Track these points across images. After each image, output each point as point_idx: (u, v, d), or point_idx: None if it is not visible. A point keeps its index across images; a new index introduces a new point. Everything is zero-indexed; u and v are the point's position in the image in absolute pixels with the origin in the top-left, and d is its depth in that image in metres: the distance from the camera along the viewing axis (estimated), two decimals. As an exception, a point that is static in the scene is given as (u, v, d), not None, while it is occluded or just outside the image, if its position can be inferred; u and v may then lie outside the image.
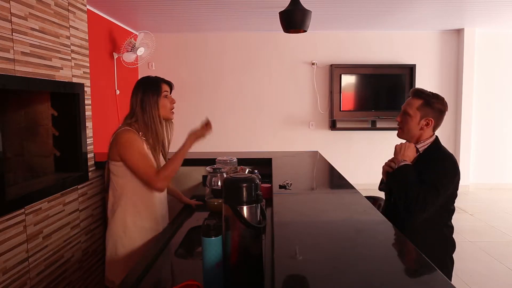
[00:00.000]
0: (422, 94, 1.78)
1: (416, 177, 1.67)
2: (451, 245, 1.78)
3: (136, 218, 1.80)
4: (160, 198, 1.90)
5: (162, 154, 1.89)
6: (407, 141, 1.82)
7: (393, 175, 1.72)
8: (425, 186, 1.63)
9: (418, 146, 1.78)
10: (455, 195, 1.77)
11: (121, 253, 1.78)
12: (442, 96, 1.80)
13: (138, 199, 1.81)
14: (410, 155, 1.74)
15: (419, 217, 1.65)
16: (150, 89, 1.78)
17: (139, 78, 1.95)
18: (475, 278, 2.98)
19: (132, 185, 1.79)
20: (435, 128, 1.79)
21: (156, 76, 1.86)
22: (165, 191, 1.97)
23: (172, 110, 1.86)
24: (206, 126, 1.85)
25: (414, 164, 1.74)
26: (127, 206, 1.80)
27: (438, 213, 1.72)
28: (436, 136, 1.82)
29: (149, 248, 1.54)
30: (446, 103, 1.78)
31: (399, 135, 1.86)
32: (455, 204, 1.82)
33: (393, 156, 1.79)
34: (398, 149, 1.77)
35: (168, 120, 1.87)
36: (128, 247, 1.79)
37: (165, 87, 1.83)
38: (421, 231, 1.70)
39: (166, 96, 1.82)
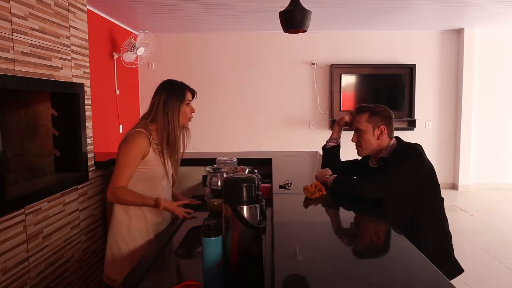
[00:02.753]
0: (364, 107, 1.87)
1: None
2: (448, 233, 1.80)
3: (141, 219, 1.80)
4: (165, 214, 1.90)
5: (171, 160, 1.89)
6: (369, 156, 1.90)
7: (335, 188, 1.80)
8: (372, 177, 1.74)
9: (381, 154, 1.82)
10: (435, 187, 1.79)
11: (125, 251, 1.79)
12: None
13: (143, 209, 1.81)
14: (327, 172, 1.88)
15: (367, 197, 1.68)
16: (175, 94, 1.79)
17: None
18: (475, 278, 2.98)
19: (139, 186, 1.78)
20: (390, 134, 1.84)
21: (182, 82, 1.86)
22: (170, 193, 1.97)
23: (190, 119, 1.88)
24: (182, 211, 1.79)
25: (379, 169, 1.80)
26: (133, 206, 1.79)
27: (430, 208, 1.75)
28: (397, 138, 1.86)
29: (149, 248, 1.55)
30: (388, 109, 1.85)
31: (359, 154, 1.91)
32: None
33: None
34: (318, 175, 1.91)
35: (184, 127, 1.89)
36: (131, 246, 1.79)
37: (189, 95, 1.84)
38: (422, 226, 1.72)
39: (187, 104, 1.83)
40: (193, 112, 1.88)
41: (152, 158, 1.78)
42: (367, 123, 1.82)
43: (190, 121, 1.89)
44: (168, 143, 1.79)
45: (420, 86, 5.84)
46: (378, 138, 1.81)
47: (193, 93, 1.88)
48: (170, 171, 1.91)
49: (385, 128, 1.81)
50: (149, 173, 1.79)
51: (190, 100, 1.85)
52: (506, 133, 6.00)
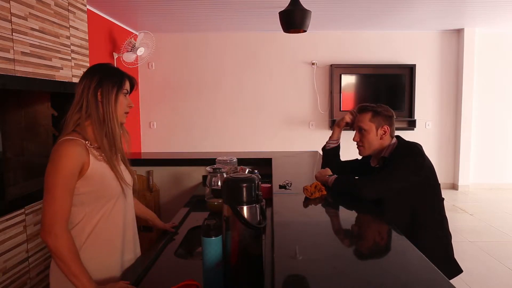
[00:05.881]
0: (367, 107, 1.86)
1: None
2: (448, 233, 1.81)
3: (95, 260, 1.31)
4: (129, 230, 1.44)
5: (123, 161, 1.43)
6: (371, 155, 1.90)
7: (336, 189, 1.80)
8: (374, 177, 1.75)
9: (383, 154, 1.83)
10: (435, 187, 1.79)
11: None
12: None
13: (96, 235, 1.32)
14: (327, 173, 1.89)
15: (368, 197, 1.69)
16: (111, 79, 1.34)
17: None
18: (475, 278, 2.98)
19: (85, 210, 1.30)
20: (392, 134, 1.85)
21: (119, 68, 1.45)
22: (133, 213, 1.48)
23: (127, 114, 1.40)
24: None
25: (381, 168, 1.80)
26: (83, 243, 1.30)
27: (430, 206, 1.76)
28: (398, 136, 1.87)
29: (149, 248, 1.54)
30: (390, 108, 1.86)
31: (362, 153, 1.90)
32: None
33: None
34: (318, 175, 1.91)
35: (121, 124, 1.40)
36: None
37: (127, 85, 1.40)
38: (422, 226, 1.72)
39: (125, 95, 1.39)
40: (131, 107, 1.42)
41: (97, 171, 1.29)
42: (370, 123, 1.81)
43: (127, 116, 1.41)
44: (110, 141, 1.34)
45: (420, 86, 5.84)
46: (381, 138, 1.81)
47: (132, 82, 1.42)
48: (129, 181, 1.43)
49: (388, 128, 1.81)
50: (97, 193, 1.30)
51: (128, 91, 1.40)
52: (506, 133, 5.99)
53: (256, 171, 1.92)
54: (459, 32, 5.80)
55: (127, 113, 1.40)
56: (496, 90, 5.93)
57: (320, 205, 1.67)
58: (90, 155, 1.29)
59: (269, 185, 2.05)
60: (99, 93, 1.31)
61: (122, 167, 1.41)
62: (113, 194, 1.35)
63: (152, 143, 5.92)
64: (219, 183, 1.95)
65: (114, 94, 1.33)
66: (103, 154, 1.32)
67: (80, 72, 2.50)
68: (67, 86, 2.35)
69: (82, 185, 1.27)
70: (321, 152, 2.30)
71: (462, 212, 4.72)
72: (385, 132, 1.80)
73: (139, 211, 1.60)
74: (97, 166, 1.30)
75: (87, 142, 1.30)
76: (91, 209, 1.31)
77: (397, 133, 1.87)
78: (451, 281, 0.98)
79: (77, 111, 1.32)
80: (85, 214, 1.30)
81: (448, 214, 1.85)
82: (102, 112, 1.31)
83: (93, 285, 1.18)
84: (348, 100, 5.86)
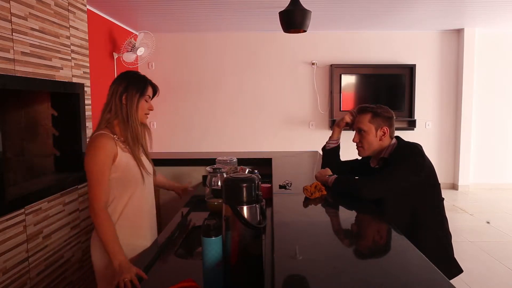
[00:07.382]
0: (367, 108, 1.86)
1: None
2: (448, 233, 1.81)
3: (125, 236, 1.56)
4: (150, 215, 1.71)
5: (145, 155, 1.69)
6: (370, 156, 1.90)
7: (336, 189, 1.81)
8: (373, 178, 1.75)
9: (383, 155, 1.83)
10: (435, 187, 1.79)
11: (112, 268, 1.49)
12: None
13: (125, 216, 1.59)
14: (327, 173, 1.90)
15: (368, 197, 1.69)
16: (136, 86, 1.59)
17: None
18: (475, 278, 2.98)
19: (119, 199, 1.57)
20: (392, 135, 1.85)
21: (144, 75, 1.68)
22: (153, 204, 1.75)
23: (147, 115, 1.65)
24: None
25: (380, 169, 1.80)
26: (115, 221, 1.56)
27: (430, 207, 1.76)
28: (398, 137, 1.87)
29: (149, 248, 1.55)
30: (390, 109, 1.86)
31: (361, 154, 1.90)
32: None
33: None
34: (318, 175, 1.93)
35: (143, 124, 1.66)
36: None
37: (150, 91, 1.65)
38: (422, 226, 1.72)
39: (146, 101, 1.63)
40: (151, 110, 1.67)
41: (123, 160, 1.55)
42: (370, 124, 1.81)
43: (147, 117, 1.65)
44: (133, 137, 1.59)
45: (420, 86, 5.84)
46: (380, 139, 1.81)
47: (154, 89, 1.67)
48: (150, 170, 1.69)
49: (388, 129, 1.81)
50: (123, 179, 1.56)
51: (150, 96, 1.65)
52: (506, 133, 5.99)
53: (256, 171, 1.92)
54: (459, 32, 5.80)
55: (147, 114, 1.65)
56: (496, 90, 5.93)
57: (320, 205, 1.67)
58: (118, 147, 1.54)
59: (269, 185, 2.05)
60: (124, 98, 1.56)
61: (144, 158, 1.65)
62: (136, 180, 1.59)
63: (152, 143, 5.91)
64: (219, 183, 1.95)
65: (137, 99, 1.58)
66: (127, 147, 1.58)
67: (80, 72, 2.50)
68: (67, 86, 2.35)
69: (112, 171, 1.53)
70: (321, 152, 2.29)
71: (462, 212, 4.72)
72: (384, 133, 1.80)
73: (167, 184, 2.03)
74: (123, 156, 1.56)
75: (115, 136, 1.57)
76: (119, 192, 1.56)
77: (397, 133, 1.86)
78: (451, 281, 0.98)
79: (107, 111, 1.58)
80: (115, 197, 1.56)
81: (448, 214, 1.85)
82: (126, 114, 1.56)
83: (123, 256, 1.42)
84: (348, 100, 5.86)
